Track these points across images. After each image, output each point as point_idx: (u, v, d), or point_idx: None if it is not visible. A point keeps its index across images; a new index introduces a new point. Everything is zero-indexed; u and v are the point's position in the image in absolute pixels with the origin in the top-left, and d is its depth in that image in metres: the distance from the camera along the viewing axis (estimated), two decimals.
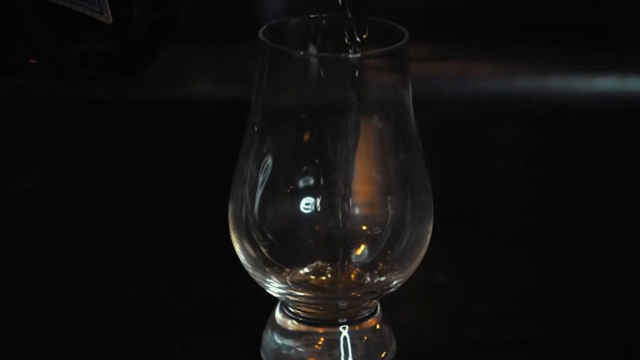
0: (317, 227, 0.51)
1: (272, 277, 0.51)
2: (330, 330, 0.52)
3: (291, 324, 0.52)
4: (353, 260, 0.51)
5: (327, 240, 0.52)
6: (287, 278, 0.51)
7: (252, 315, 0.56)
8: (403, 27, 0.49)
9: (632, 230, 0.67)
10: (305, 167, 0.50)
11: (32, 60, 0.46)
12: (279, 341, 0.53)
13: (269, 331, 0.53)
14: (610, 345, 0.56)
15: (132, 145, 0.78)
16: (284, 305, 0.53)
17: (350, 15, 0.48)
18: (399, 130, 0.50)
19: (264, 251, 0.51)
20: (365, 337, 0.52)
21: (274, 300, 0.53)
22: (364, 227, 0.51)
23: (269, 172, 0.50)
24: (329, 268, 0.52)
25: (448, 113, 0.84)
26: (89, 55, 0.47)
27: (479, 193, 0.72)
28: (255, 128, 0.50)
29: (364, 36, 0.49)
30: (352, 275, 0.51)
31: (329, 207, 0.51)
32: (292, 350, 0.52)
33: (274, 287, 0.51)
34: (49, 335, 0.56)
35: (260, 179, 0.50)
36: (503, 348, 0.55)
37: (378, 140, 0.50)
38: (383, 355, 0.53)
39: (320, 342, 0.52)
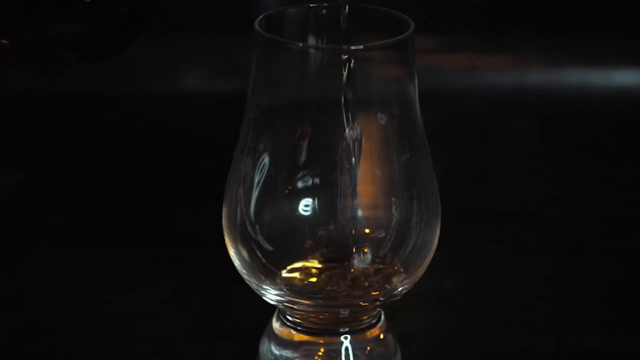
0: (317, 230, 0.51)
1: (269, 283, 0.51)
2: (331, 340, 0.52)
3: (289, 334, 0.52)
4: (355, 266, 0.51)
5: (327, 244, 0.52)
6: (285, 284, 0.51)
7: (247, 324, 0.56)
8: (408, 17, 0.49)
9: None
10: (304, 167, 0.50)
11: (4, 41, 0.46)
12: (276, 352, 0.53)
13: (266, 341, 0.53)
14: (631, 358, 0.56)
15: (119, 143, 0.78)
16: (282, 314, 0.53)
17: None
18: (404, 127, 0.50)
19: (260, 256, 0.51)
20: (369, 347, 0.52)
21: (271, 308, 0.53)
22: (367, 230, 0.51)
23: (265, 172, 0.50)
24: (329, 274, 0.52)
25: (456, 109, 0.84)
26: (66, 36, 0.46)
27: (489, 194, 0.72)
28: (251, 125, 0.50)
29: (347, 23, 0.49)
30: (355, 282, 0.51)
31: (329, 208, 0.51)
32: None
33: (271, 294, 0.51)
34: (34, 341, 0.56)
35: (257, 178, 0.50)
36: (515, 359, 0.55)
37: (382, 138, 0.50)
38: None
39: (320, 353, 0.52)
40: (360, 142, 0.50)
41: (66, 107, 0.83)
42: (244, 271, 0.51)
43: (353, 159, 0.50)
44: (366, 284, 0.51)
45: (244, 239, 0.50)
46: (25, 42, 0.46)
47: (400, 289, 0.51)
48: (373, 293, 0.51)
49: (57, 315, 0.58)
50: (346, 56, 0.48)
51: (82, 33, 0.46)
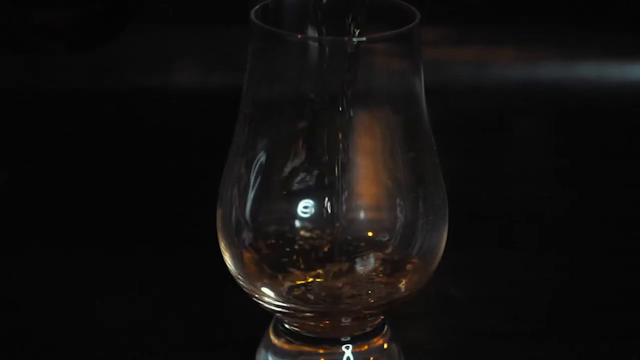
0: (317, 233, 0.51)
1: (266, 289, 0.50)
2: (332, 349, 0.52)
3: (287, 343, 0.52)
4: (357, 270, 0.51)
5: (327, 248, 0.51)
6: (283, 291, 0.51)
7: (243, 333, 0.56)
8: (414, 7, 0.49)
9: None
10: (303, 166, 0.50)
11: None
12: None
13: (263, 351, 0.53)
14: None
15: (109, 141, 0.78)
16: (279, 322, 0.53)
17: None
18: (410, 124, 0.50)
19: (256, 260, 0.51)
20: (371, 358, 0.52)
21: (268, 315, 0.53)
22: (370, 234, 0.51)
23: (262, 171, 0.50)
24: (330, 279, 0.52)
25: (464, 104, 0.84)
26: (52, 24, 0.46)
27: (499, 195, 0.72)
28: (247, 121, 0.50)
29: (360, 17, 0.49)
30: (356, 287, 0.51)
31: (329, 210, 0.51)
32: None
33: (268, 301, 0.51)
34: (28, 342, 0.56)
35: (253, 178, 0.50)
36: None
37: (386, 136, 0.50)
38: None
39: None
40: (363, 139, 0.49)
41: (45, 104, 0.82)
42: (240, 276, 0.51)
43: (355, 158, 0.50)
44: (369, 289, 0.51)
45: (240, 243, 0.50)
46: (9, 30, 0.46)
47: (405, 295, 0.51)
48: (376, 299, 0.51)
49: (51, 318, 0.58)
50: (357, 52, 0.48)
51: (68, 20, 0.46)
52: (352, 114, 0.49)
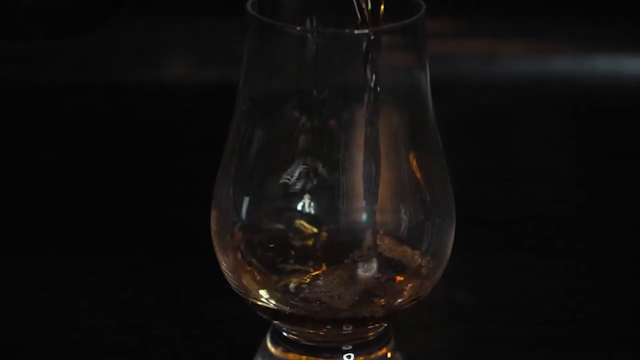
0: (317, 235, 0.51)
1: (263, 295, 0.50)
2: (333, 359, 0.52)
3: (285, 352, 0.52)
4: (359, 275, 0.51)
5: (328, 251, 0.51)
6: (281, 296, 0.51)
7: (239, 342, 0.56)
8: None
9: None
10: (302, 165, 0.50)
11: None
12: None
13: None
14: None
15: (97, 138, 0.78)
16: (277, 330, 0.53)
17: None
18: (415, 122, 0.50)
19: (253, 265, 0.51)
20: None
21: (266, 323, 0.53)
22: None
23: (259, 171, 0.50)
24: (330, 283, 0.52)
25: (473, 101, 0.84)
26: (37, 9, 0.46)
27: (508, 196, 0.72)
28: (243, 118, 0.50)
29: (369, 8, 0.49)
30: (359, 293, 0.51)
31: (331, 212, 0.51)
32: None
33: (265, 306, 0.51)
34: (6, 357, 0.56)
35: (249, 178, 0.50)
36: None
37: (389, 133, 0.50)
38: None
39: None
40: (364, 137, 0.49)
41: (29, 98, 0.82)
42: (235, 282, 0.51)
43: (357, 157, 0.50)
44: (371, 294, 0.51)
45: (236, 246, 0.50)
46: None
47: (409, 301, 0.51)
48: (378, 303, 0.51)
49: (36, 330, 0.58)
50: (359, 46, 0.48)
51: (54, 5, 0.46)
52: (353, 110, 0.49)
